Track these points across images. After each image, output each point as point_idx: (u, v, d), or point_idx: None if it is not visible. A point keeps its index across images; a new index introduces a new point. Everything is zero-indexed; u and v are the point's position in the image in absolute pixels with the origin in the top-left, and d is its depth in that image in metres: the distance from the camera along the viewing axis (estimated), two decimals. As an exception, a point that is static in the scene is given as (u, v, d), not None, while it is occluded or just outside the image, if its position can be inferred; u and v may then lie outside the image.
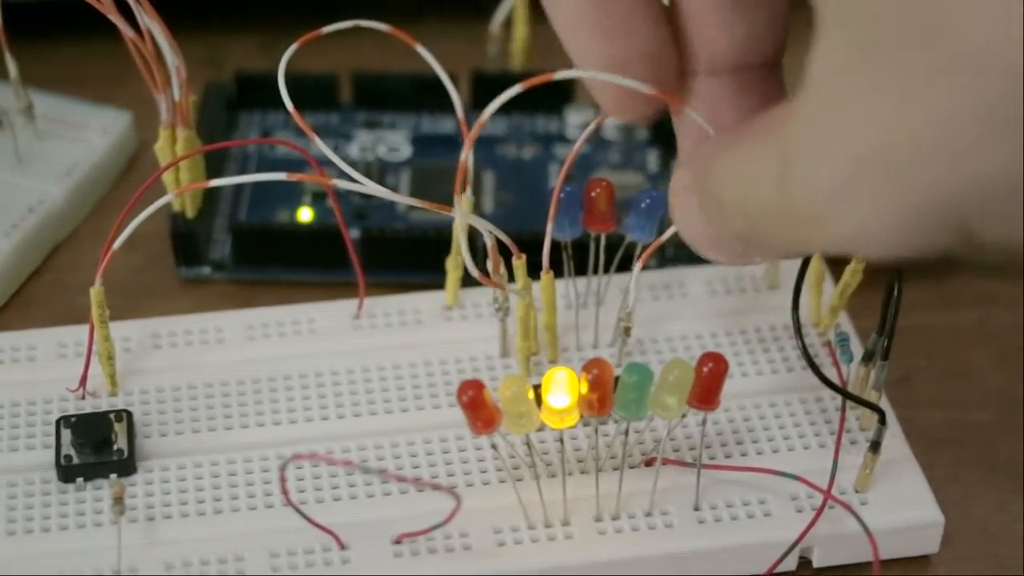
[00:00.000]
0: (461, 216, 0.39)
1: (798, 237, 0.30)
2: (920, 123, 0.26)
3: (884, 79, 0.26)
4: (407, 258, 0.47)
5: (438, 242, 0.45)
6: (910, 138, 0.26)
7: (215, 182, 0.40)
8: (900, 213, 0.27)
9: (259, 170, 0.50)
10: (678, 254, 0.48)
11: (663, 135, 0.51)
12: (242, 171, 0.50)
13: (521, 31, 0.53)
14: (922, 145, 0.26)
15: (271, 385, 0.42)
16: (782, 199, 0.29)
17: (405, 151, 0.51)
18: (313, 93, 0.51)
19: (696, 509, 0.39)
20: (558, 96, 0.52)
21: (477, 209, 0.47)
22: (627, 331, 0.42)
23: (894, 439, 0.41)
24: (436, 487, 0.37)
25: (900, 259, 0.28)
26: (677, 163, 0.37)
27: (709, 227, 0.33)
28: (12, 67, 0.48)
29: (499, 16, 0.53)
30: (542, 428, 0.38)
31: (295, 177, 0.39)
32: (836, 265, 0.43)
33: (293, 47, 0.40)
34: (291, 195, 0.49)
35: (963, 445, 0.43)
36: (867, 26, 0.27)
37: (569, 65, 0.34)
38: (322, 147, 0.39)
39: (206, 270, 0.47)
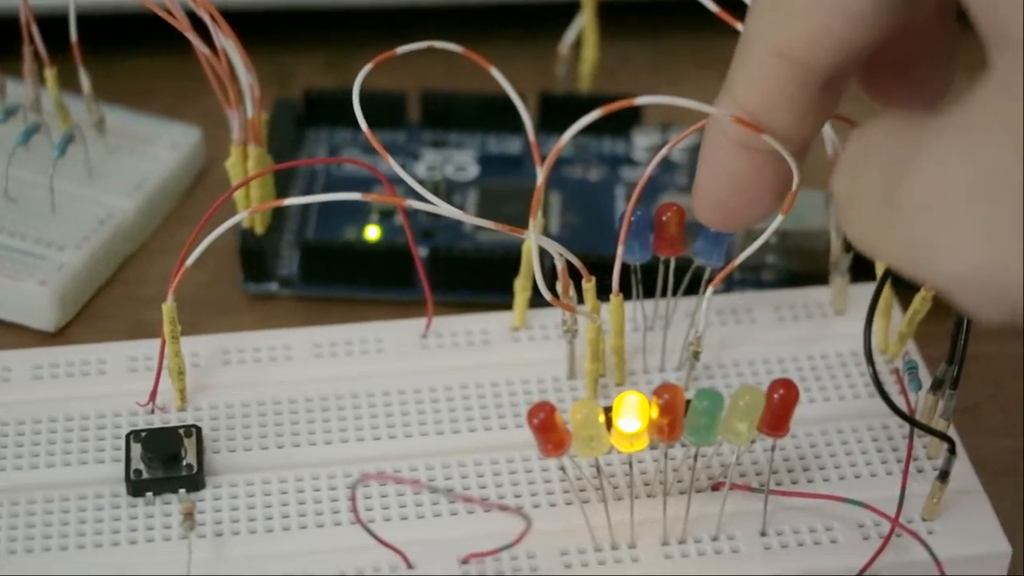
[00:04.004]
0: (534, 239, 0.39)
1: (905, 258, 0.28)
2: None
3: None
4: (475, 278, 0.47)
5: (505, 262, 0.45)
6: None
7: (290, 201, 0.40)
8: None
9: (327, 187, 0.50)
10: (745, 279, 0.48)
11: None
12: (310, 188, 0.50)
13: (590, 53, 0.53)
14: None
15: (339, 403, 0.42)
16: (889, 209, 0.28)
17: (472, 171, 0.51)
18: (381, 111, 0.52)
19: (763, 534, 0.39)
20: (625, 119, 0.52)
21: (544, 230, 0.47)
22: (696, 355, 0.42)
23: (962, 468, 0.41)
24: (505, 508, 0.37)
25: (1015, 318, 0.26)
26: None
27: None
28: (85, 82, 0.48)
29: (568, 37, 0.53)
30: (611, 452, 0.38)
31: (369, 197, 0.39)
32: (905, 292, 0.43)
33: (368, 67, 0.40)
34: (358, 213, 0.49)
35: (1031, 476, 0.43)
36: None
37: (636, 85, 0.34)
38: (395, 168, 0.39)
39: (273, 286, 0.48)
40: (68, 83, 0.49)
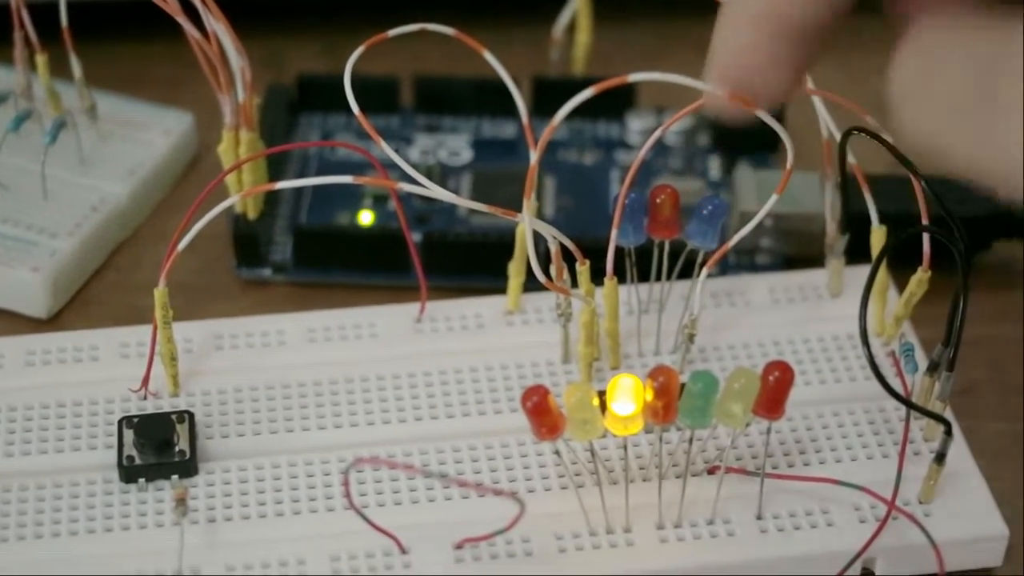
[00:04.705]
0: (528, 221, 0.39)
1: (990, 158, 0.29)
2: None
3: None
4: (469, 262, 0.46)
5: (500, 247, 0.45)
6: None
7: (281, 184, 0.40)
8: None
9: (320, 172, 0.50)
10: (740, 262, 0.48)
11: (724, 142, 0.51)
12: (303, 173, 0.50)
13: (584, 37, 0.53)
14: None
15: (332, 388, 0.42)
16: None
17: (465, 155, 0.51)
18: (374, 96, 0.51)
19: (759, 518, 0.39)
20: (620, 102, 0.52)
21: (538, 214, 0.46)
22: (691, 338, 0.42)
23: (958, 451, 0.41)
24: (499, 492, 0.37)
25: None
26: None
27: None
28: (77, 68, 0.48)
29: (562, 21, 0.52)
30: (604, 435, 0.37)
31: (361, 180, 0.38)
32: (901, 274, 0.43)
33: (359, 50, 0.40)
34: (352, 198, 0.49)
35: (1027, 458, 0.43)
36: None
37: (631, 70, 0.33)
38: (387, 151, 0.39)
39: (266, 272, 0.47)
40: (59, 70, 0.49)
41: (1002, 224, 0.47)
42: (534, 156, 0.38)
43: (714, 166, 0.51)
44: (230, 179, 0.45)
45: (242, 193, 0.42)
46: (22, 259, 0.46)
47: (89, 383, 0.42)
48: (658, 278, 0.43)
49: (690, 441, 0.38)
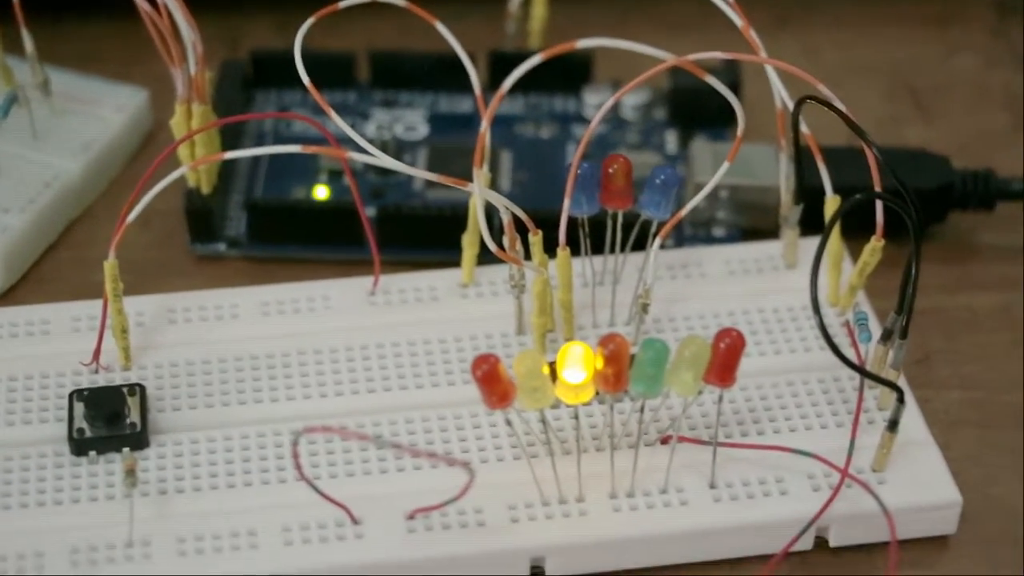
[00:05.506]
0: (479, 191, 0.39)
1: None
2: None
3: None
4: (423, 236, 0.46)
5: (454, 220, 0.45)
6: None
7: (230, 154, 0.40)
8: None
9: (275, 148, 0.50)
10: (696, 234, 0.48)
11: (681, 116, 0.51)
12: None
13: (540, 10, 0.52)
14: None
15: (285, 361, 0.42)
16: None
17: (422, 130, 0.51)
18: (330, 71, 0.51)
19: (712, 487, 0.39)
20: (576, 76, 0.52)
21: (494, 188, 0.46)
22: (645, 308, 0.42)
23: (912, 419, 0.41)
24: (450, 461, 0.36)
25: None
26: None
27: None
28: (28, 43, 0.48)
29: (518, -5, 0.52)
30: (557, 405, 0.37)
31: (310, 149, 0.38)
32: (855, 244, 0.43)
33: (310, 21, 0.40)
34: (307, 173, 0.49)
35: (982, 427, 0.43)
36: None
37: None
38: (339, 122, 0.39)
39: (221, 247, 0.47)
40: (11, 46, 0.48)
41: (956, 196, 0.47)
42: (484, 123, 0.38)
43: (671, 140, 0.51)
44: (182, 152, 0.45)
45: (192, 163, 0.42)
46: (-27, 235, 0.45)
47: (40, 357, 0.42)
48: (612, 250, 0.43)
49: (641, 410, 0.38)
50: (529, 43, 0.53)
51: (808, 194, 0.43)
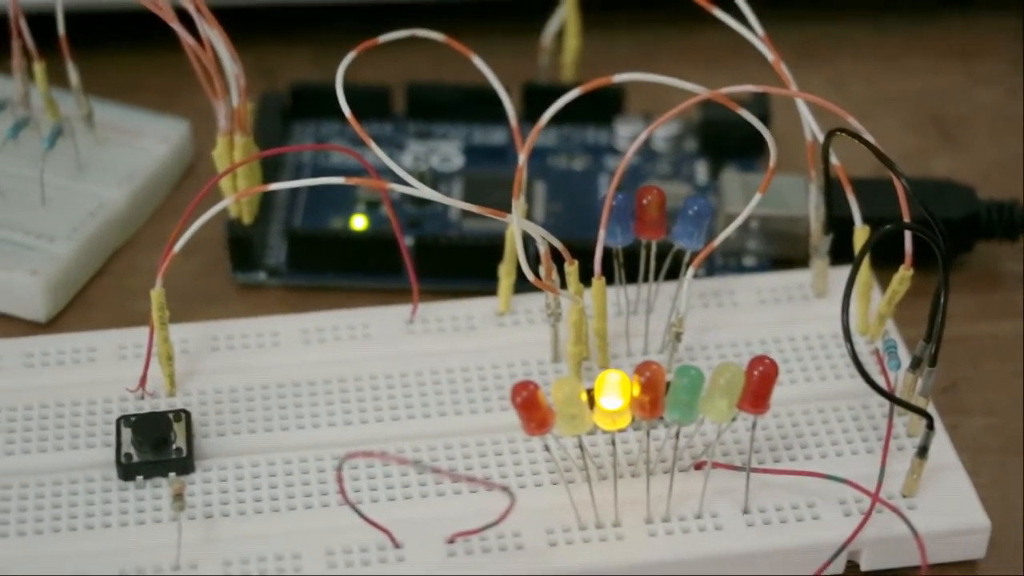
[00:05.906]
0: (517, 221, 0.39)
1: None
2: None
3: None
4: (460, 266, 0.47)
5: (490, 250, 0.46)
6: None
7: (273, 186, 0.41)
8: None
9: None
10: (727, 264, 0.48)
11: (711, 147, 0.52)
12: (297, 179, 0.51)
13: (573, 42, 0.53)
14: None
15: (326, 388, 0.43)
16: None
17: (457, 161, 0.52)
18: (366, 103, 0.52)
19: (745, 512, 0.40)
20: (608, 108, 0.53)
21: (529, 219, 0.47)
22: (678, 336, 0.43)
23: (940, 445, 0.41)
24: (489, 485, 0.37)
25: None
26: None
27: None
28: (74, 75, 0.49)
29: (551, 28, 0.53)
30: (594, 431, 0.38)
31: (353, 181, 0.39)
32: (881, 273, 0.44)
33: (351, 55, 0.41)
34: (345, 203, 0.50)
35: (1010, 453, 0.44)
36: None
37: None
38: (378, 153, 0.40)
39: (261, 275, 0.48)
40: (57, 78, 0.49)
41: (981, 226, 0.48)
42: (521, 157, 0.38)
43: (701, 171, 0.52)
44: (225, 183, 0.45)
45: (236, 195, 0.43)
46: (20, 263, 0.46)
47: (87, 384, 0.43)
48: (645, 279, 0.44)
49: (676, 436, 0.39)
50: (562, 75, 0.54)
51: (837, 224, 0.44)
